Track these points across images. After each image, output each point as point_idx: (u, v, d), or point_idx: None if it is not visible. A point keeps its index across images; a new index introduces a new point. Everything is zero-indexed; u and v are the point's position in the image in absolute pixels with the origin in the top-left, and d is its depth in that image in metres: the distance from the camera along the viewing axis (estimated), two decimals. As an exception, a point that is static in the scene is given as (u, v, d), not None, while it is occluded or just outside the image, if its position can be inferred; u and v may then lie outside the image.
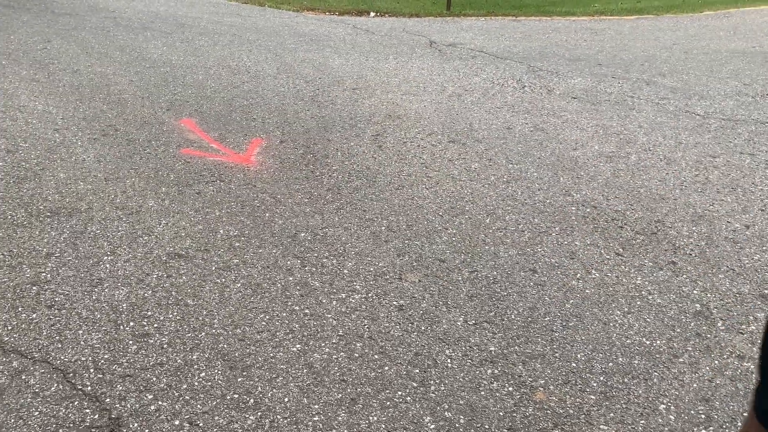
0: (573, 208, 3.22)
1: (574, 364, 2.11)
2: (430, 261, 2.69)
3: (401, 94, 5.04)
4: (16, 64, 5.23)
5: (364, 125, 4.28)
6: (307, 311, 2.32)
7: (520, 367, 2.09)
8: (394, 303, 2.40)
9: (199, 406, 1.86)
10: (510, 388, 1.99)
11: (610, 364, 2.12)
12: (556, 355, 2.15)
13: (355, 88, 5.14)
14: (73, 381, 1.93)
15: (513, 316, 2.34)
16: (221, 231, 2.84)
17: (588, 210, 3.20)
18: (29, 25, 6.74)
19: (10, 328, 2.14)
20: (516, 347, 2.18)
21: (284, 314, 2.30)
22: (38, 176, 3.26)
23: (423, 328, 2.26)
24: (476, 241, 2.86)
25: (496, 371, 2.06)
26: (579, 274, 2.63)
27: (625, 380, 2.05)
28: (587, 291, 2.52)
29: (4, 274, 2.43)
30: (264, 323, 2.24)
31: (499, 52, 6.72)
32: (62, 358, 2.02)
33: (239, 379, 1.97)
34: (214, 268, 2.55)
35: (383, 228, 2.94)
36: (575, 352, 2.17)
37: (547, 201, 3.28)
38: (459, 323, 2.29)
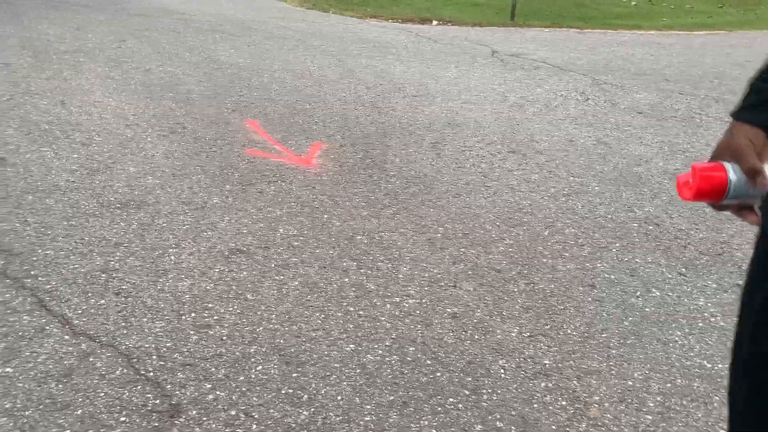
0: (635, 224, 3.16)
1: (631, 383, 2.07)
2: (486, 270, 2.68)
3: (462, 102, 5.04)
4: (92, 61, 5.47)
5: (423, 132, 4.30)
6: (361, 312, 2.35)
7: (574, 382, 2.06)
8: (448, 310, 2.40)
9: (254, 398, 1.91)
10: (563, 403, 1.97)
11: (668, 384, 2.07)
12: (612, 372, 2.11)
13: (416, 95, 5.17)
14: (136, 366, 2.01)
15: (569, 331, 2.31)
16: (281, 230, 2.90)
17: (650, 227, 3.13)
18: (105, 24, 7.04)
19: (80, 312, 2.25)
20: (571, 362, 2.15)
21: (339, 314, 2.33)
22: (110, 169, 3.41)
23: (476, 337, 2.26)
24: (534, 252, 2.84)
25: (549, 384, 2.04)
26: (639, 292, 2.58)
27: (684, 402, 1.99)
28: (647, 309, 2.47)
29: (76, 261, 2.55)
30: (319, 321, 2.28)
31: (563, 63, 6.64)
32: (127, 343, 2.11)
33: (294, 375, 2.01)
34: (273, 266, 2.61)
35: (439, 235, 2.95)
36: (632, 370, 2.13)
37: (609, 216, 3.23)
38: (513, 334, 2.28)
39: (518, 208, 3.27)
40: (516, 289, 2.55)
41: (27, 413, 1.80)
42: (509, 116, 4.76)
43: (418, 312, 2.38)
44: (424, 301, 2.45)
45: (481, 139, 4.23)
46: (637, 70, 6.58)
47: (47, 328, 2.15)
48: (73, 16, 7.30)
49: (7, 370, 1.96)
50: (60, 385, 1.91)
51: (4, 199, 2.99)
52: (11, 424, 1.77)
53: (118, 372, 1.98)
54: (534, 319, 2.37)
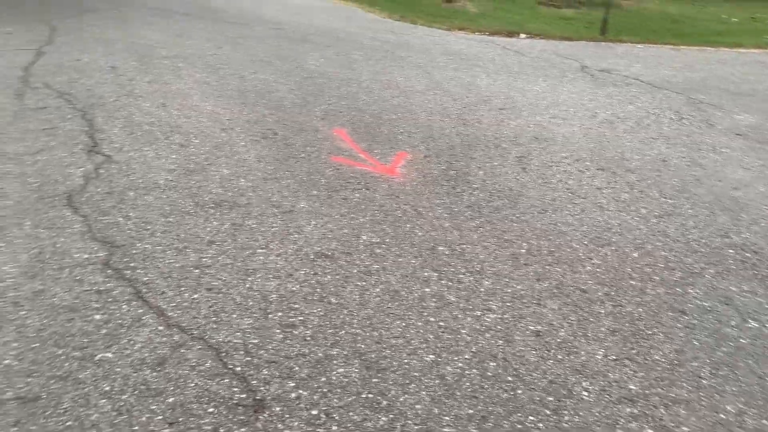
0: (731, 250, 3.01)
1: (723, 416, 1.97)
2: (571, 290, 2.62)
3: (549, 117, 4.96)
4: (191, 67, 5.74)
5: (508, 146, 4.26)
6: (441, 324, 2.35)
7: (661, 410, 1.98)
8: (531, 328, 2.37)
9: (335, 400, 1.95)
10: (650, 431, 1.90)
11: (764, 421, 1.96)
12: (703, 403, 2.03)
13: (502, 108, 5.13)
14: (224, 360, 2.09)
15: (657, 357, 2.23)
16: (364, 237, 2.95)
17: (747, 255, 2.98)
18: (204, 31, 7.37)
19: (174, 304, 2.36)
20: (659, 389, 2.07)
21: (419, 323, 2.34)
22: (205, 170, 3.56)
23: (560, 356, 2.21)
24: (622, 274, 2.76)
25: (635, 411, 1.97)
26: (734, 322, 2.46)
27: (782, 442, 1.89)
28: (742, 340, 2.35)
29: (172, 256, 2.68)
30: (400, 329, 2.30)
31: (656, 81, 6.42)
32: (216, 337, 2.19)
33: (374, 380, 2.04)
34: (356, 271, 2.66)
35: (523, 251, 2.92)
36: (725, 402, 2.03)
37: (702, 241, 3.10)
38: (598, 357, 2.22)
39: (607, 227, 3.19)
40: (602, 311, 2.49)
41: (124, 397, 1.91)
42: (599, 133, 4.65)
43: (499, 327, 2.36)
44: (506, 316, 2.42)
45: (569, 155, 4.15)
46: (737, 90, 6.28)
47: (144, 318, 2.27)
48: (175, 23, 7.69)
49: (108, 355, 2.08)
50: (154, 373, 2.01)
51: (109, 194, 3.19)
52: (109, 406, 1.88)
53: (207, 364, 2.07)
54: (620, 342, 2.30)
